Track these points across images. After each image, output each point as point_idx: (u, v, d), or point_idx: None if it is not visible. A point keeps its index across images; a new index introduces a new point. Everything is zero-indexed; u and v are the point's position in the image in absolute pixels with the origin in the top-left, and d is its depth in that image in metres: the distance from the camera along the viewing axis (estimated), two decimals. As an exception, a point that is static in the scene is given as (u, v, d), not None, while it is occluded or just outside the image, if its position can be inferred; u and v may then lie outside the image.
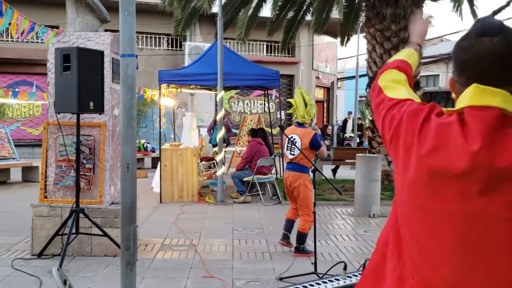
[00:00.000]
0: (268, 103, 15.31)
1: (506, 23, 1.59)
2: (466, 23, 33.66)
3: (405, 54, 2.07)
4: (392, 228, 1.71)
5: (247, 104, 25.06)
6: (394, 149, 1.67)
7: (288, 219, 7.11)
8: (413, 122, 1.61)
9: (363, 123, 23.09)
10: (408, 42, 2.17)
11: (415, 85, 12.48)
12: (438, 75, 37.94)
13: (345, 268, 2.49)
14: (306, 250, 6.74)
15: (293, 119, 7.44)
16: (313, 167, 6.06)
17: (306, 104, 6.70)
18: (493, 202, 1.44)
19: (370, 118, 13.38)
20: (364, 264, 2.48)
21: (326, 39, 26.34)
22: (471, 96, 1.52)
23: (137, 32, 4.15)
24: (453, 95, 1.64)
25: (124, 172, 4.33)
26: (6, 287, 5.45)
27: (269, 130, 13.89)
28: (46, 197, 6.76)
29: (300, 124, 6.83)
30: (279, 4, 14.46)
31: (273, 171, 11.84)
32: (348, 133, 23.41)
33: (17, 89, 18.17)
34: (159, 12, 16.11)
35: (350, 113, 25.81)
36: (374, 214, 9.50)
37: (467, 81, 1.57)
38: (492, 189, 1.44)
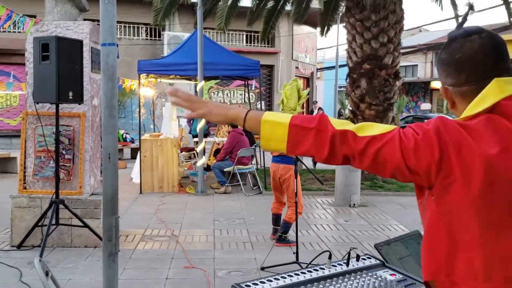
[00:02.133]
0: (248, 93, 15.27)
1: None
2: (445, 13, 33.84)
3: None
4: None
5: (227, 94, 24.98)
6: (444, 170, 1.50)
7: (275, 214, 7.11)
8: (456, 136, 1.51)
9: (342, 112, 22.86)
10: (239, 115, 1.76)
11: (394, 75, 12.55)
12: (417, 65, 38.20)
13: (330, 257, 2.50)
14: (288, 240, 6.76)
15: (280, 110, 7.40)
16: (295, 157, 6.06)
17: (299, 97, 6.69)
18: None
19: (350, 108, 13.42)
20: (349, 253, 2.50)
21: (306, 29, 26.33)
22: (499, 89, 1.55)
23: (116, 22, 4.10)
24: (447, 102, 1.64)
25: (106, 162, 4.29)
26: (-15, 280, 5.39)
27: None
28: (25, 188, 6.68)
29: None
30: (259, -7, 14.41)
31: (254, 161, 11.84)
32: None
33: (-7, 79, 17.92)
34: (137, 1, 15.97)
35: (315, 102, 25.52)
36: (354, 204, 9.56)
37: (468, 77, 1.61)
38: None
